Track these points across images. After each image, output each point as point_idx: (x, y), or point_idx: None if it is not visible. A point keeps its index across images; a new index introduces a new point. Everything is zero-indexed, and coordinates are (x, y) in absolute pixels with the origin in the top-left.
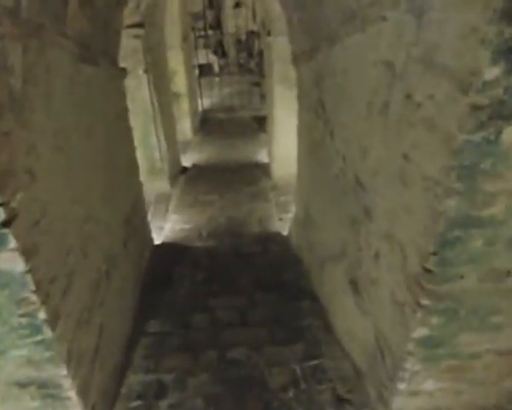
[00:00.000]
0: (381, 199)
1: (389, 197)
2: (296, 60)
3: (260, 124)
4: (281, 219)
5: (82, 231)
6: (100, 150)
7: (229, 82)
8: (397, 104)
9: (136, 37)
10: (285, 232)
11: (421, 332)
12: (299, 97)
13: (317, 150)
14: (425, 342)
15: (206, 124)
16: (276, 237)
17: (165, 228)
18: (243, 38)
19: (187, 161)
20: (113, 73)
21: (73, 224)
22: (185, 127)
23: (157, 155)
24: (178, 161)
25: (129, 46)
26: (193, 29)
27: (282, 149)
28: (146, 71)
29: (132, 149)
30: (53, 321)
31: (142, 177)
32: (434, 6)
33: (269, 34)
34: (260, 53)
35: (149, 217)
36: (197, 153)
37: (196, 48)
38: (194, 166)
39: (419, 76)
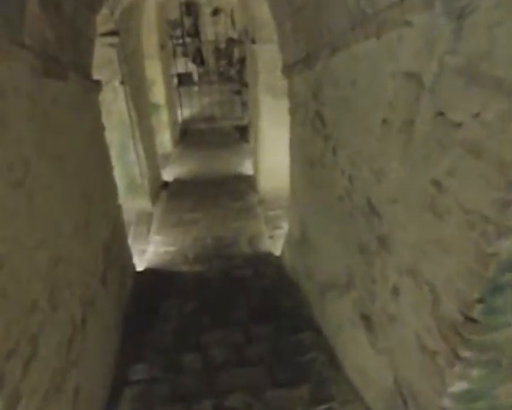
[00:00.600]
0: (401, 229)
1: (413, 229)
2: (288, 69)
3: (242, 133)
4: (271, 237)
5: (50, 279)
6: (71, 178)
7: (209, 91)
8: (425, 123)
9: (111, 45)
10: (277, 252)
11: (459, 386)
12: (292, 110)
13: (314, 167)
14: (463, 397)
15: (187, 135)
16: (268, 257)
17: (147, 251)
18: (222, 45)
19: (168, 175)
20: (86, 86)
21: (39, 272)
22: (165, 139)
23: (136, 170)
24: (159, 176)
25: (103, 56)
26: (171, 37)
27: (269, 161)
28: (122, 82)
29: (109, 170)
30: (11, 406)
31: (122, 195)
32: (481, 6)
33: (253, 42)
34: (241, 60)
35: (130, 240)
36: (178, 166)
37: (175, 56)
38: (176, 180)
39: (458, 91)
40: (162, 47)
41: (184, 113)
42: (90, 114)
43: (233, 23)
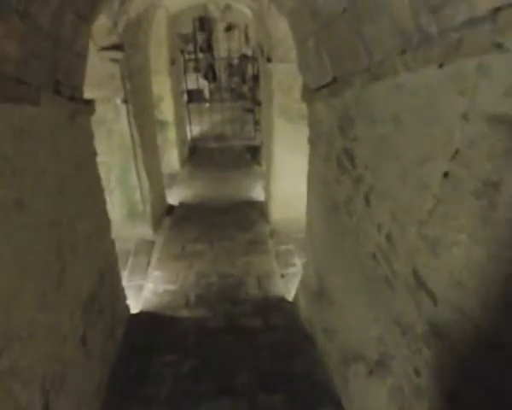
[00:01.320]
0: None
1: None
2: (308, 94)
3: (254, 154)
4: (283, 276)
5: None
6: (37, 229)
7: (220, 108)
8: None
9: (114, 61)
10: (290, 295)
11: None
12: (312, 140)
13: (338, 211)
14: None
15: (195, 154)
16: (280, 304)
17: (145, 288)
18: (235, 62)
19: (173, 197)
20: (71, 109)
21: None
22: (172, 158)
23: (138, 196)
24: (163, 201)
25: (105, 71)
26: (182, 52)
27: (282, 189)
28: (125, 100)
29: (101, 203)
30: None
31: (121, 222)
32: None
33: (268, 60)
34: (254, 78)
35: (127, 273)
36: (185, 188)
37: (185, 72)
38: (182, 204)
39: None
40: (172, 62)
41: (194, 130)
42: (76, 141)
43: (247, 39)
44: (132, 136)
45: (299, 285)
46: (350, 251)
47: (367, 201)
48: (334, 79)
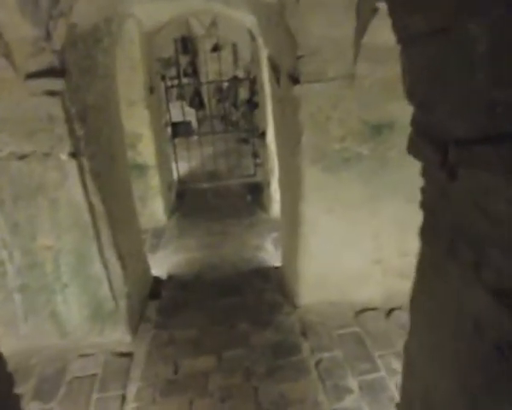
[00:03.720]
0: None
1: None
2: (441, 147)
3: (256, 195)
4: None
5: None
6: None
7: (211, 139)
8: None
9: (51, 94)
10: None
11: None
12: (429, 223)
13: (448, 313)
14: None
15: (185, 199)
16: None
17: None
18: (225, 85)
19: (160, 265)
20: None
21: None
22: (156, 209)
23: (105, 289)
24: (146, 278)
25: (38, 112)
26: (163, 78)
27: (316, 263)
28: (75, 154)
29: None
30: None
31: (81, 328)
32: None
33: (295, 80)
34: (247, 102)
35: None
36: (174, 251)
37: (168, 100)
38: (171, 278)
39: None
40: (151, 90)
41: (181, 168)
42: None
43: (235, 60)
44: (91, 205)
45: None
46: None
47: None
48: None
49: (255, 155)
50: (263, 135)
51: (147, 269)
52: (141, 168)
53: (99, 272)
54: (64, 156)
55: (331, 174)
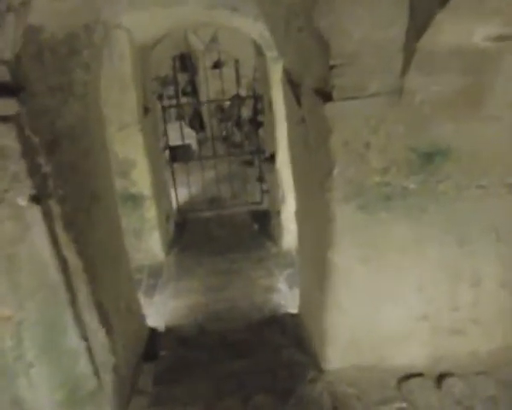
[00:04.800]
0: None
1: None
2: None
3: (263, 225)
4: None
5: None
6: None
7: (212, 162)
8: None
9: (1, 119)
10: None
11: None
12: None
13: None
14: None
15: (185, 231)
16: None
17: None
18: (227, 104)
19: (156, 313)
20: None
21: None
22: (152, 244)
23: (84, 364)
24: (140, 334)
25: None
26: (160, 97)
27: (349, 321)
28: (38, 197)
29: None
30: None
31: None
32: None
33: (327, 97)
34: (250, 121)
35: None
36: (173, 295)
37: (165, 121)
38: (170, 332)
39: None
40: (146, 111)
41: (181, 194)
42: None
43: (237, 77)
44: (62, 261)
45: None
46: None
47: None
48: None
49: (261, 180)
50: (271, 158)
51: (141, 322)
52: (135, 199)
53: (75, 344)
54: (23, 201)
55: (368, 214)
